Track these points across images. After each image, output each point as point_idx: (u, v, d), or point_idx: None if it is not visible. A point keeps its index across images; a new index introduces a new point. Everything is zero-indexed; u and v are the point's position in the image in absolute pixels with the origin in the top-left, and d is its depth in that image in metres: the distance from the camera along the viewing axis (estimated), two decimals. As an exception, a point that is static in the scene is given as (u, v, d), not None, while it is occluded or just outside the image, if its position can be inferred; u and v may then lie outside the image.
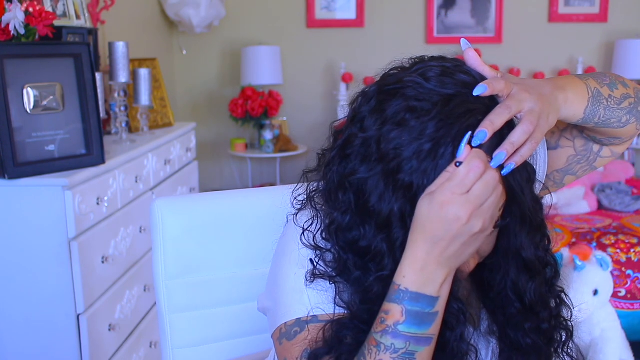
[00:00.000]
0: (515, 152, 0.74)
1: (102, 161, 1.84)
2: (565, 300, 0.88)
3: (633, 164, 3.90)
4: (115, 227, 1.94)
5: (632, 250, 2.70)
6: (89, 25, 2.35)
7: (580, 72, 4.01)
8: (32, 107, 1.70)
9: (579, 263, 2.28)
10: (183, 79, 4.22)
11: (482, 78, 0.78)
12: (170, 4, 3.72)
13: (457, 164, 0.71)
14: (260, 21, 4.18)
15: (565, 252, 2.36)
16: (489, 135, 0.72)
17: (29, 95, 1.69)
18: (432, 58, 0.81)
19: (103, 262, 1.84)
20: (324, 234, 0.83)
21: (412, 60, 0.82)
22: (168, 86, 3.54)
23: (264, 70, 3.93)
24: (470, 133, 0.72)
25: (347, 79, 4.03)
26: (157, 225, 1.11)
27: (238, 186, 4.35)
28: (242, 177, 4.37)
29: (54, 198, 1.66)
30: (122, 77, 2.26)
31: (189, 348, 1.14)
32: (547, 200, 0.86)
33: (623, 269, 2.64)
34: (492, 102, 0.76)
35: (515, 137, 0.73)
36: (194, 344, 1.14)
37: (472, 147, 0.72)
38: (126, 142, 2.22)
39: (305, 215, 0.87)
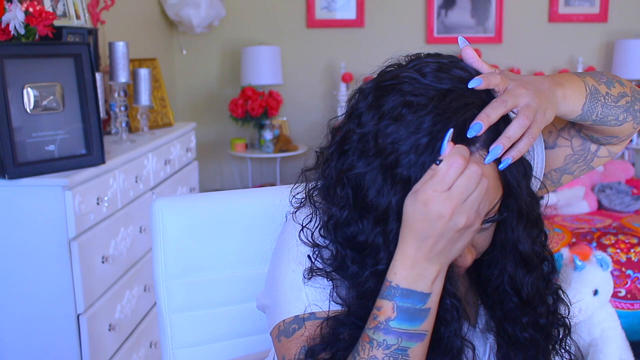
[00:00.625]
0: (512, 146, 0.75)
1: (102, 161, 1.84)
2: (563, 296, 0.89)
3: (633, 164, 3.90)
4: (115, 227, 1.94)
5: (632, 250, 2.70)
6: (89, 25, 2.35)
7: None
8: (32, 107, 1.70)
9: (579, 263, 2.28)
10: (183, 79, 4.22)
11: (478, 74, 0.78)
12: (170, 4, 3.72)
13: (437, 162, 0.71)
14: (260, 21, 4.18)
15: (565, 252, 2.36)
16: (484, 128, 0.72)
17: (29, 95, 1.69)
18: (428, 55, 0.82)
19: (103, 262, 1.84)
20: (322, 230, 0.84)
21: (408, 57, 0.83)
22: (168, 86, 3.54)
23: (264, 70, 3.93)
24: (452, 130, 0.72)
25: (347, 78, 4.03)
26: (157, 225, 1.11)
27: (238, 186, 4.35)
28: (242, 177, 4.38)
29: (54, 198, 1.67)
30: (122, 77, 2.26)
31: (189, 348, 1.14)
32: (546, 199, 0.86)
33: (623, 269, 2.64)
34: (488, 97, 0.77)
35: (512, 131, 0.74)
36: (194, 344, 1.14)
37: (454, 144, 0.72)
38: (126, 142, 2.22)
39: (303, 213, 0.88)
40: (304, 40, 4.20)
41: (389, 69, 0.83)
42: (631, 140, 3.86)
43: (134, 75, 2.43)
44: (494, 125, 0.75)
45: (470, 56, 0.79)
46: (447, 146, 0.71)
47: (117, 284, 1.95)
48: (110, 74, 2.28)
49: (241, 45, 4.08)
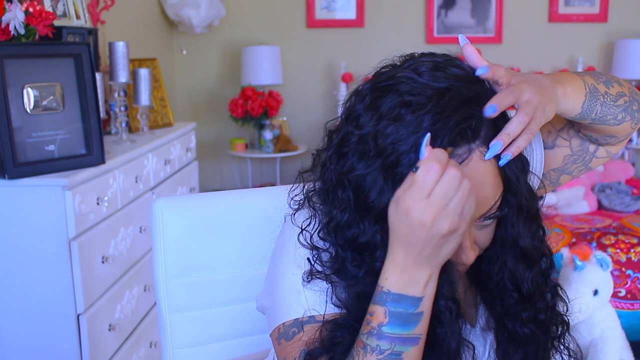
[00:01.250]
0: (511, 143, 0.75)
1: (102, 161, 1.84)
2: (560, 293, 0.89)
3: (633, 164, 3.90)
4: (115, 227, 1.94)
5: (632, 250, 2.70)
6: (89, 25, 2.35)
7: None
8: (32, 107, 1.70)
9: (579, 263, 2.28)
10: (183, 79, 4.22)
11: (473, 71, 0.78)
12: (170, 4, 3.72)
13: (414, 170, 0.70)
14: (260, 21, 4.18)
15: (565, 252, 2.36)
16: (498, 110, 0.73)
17: (29, 95, 1.69)
18: (423, 54, 0.82)
19: (103, 262, 1.84)
20: (321, 233, 0.83)
21: (403, 57, 0.83)
22: (168, 86, 3.54)
23: (264, 70, 3.93)
24: (429, 135, 0.72)
25: (347, 79, 4.03)
26: (157, 225, 1.11)
27: (238, 186, 4.35)
28: (242, 177, 4.37)
29: (54, 198, 1.67)
30: (122, 77, 2.26)
31: (189, 348, 1.14)
32: (546, 199, 0.87)
33: (623, 269, 2.64)
34: (486, 95, 0.77)
35: (511, 127, 0.75)
36: (194, 344, 1.14)
37: (432, 147, 0.71)
38: (126, 142, 2.22)
39: (302, 215, 0.87)
40: (304, 40, 4.20)
41: (384, 69, 0.82)
42: (631, 140, 3.85)
43: (134, 75, 2.43)
44: (493, 122, 0.75)
45: (471, 54, 0.79)
46: (426, 151, 0.71)
47: (117, 284, 1.95)
48: (110, 74, 2.28)
49: (241, 45, 4.08)
